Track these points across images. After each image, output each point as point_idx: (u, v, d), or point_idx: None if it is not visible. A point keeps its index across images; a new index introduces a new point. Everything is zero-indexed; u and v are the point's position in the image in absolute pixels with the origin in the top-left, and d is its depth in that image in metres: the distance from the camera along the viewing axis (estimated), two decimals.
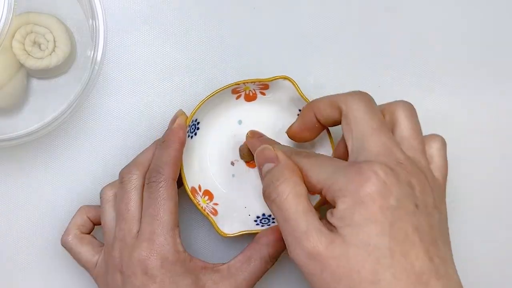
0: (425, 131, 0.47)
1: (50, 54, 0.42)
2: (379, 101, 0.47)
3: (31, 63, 0.42)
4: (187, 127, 0.41)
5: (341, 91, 0.46)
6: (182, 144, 0.40)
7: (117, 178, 0.41)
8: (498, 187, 0.47)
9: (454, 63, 0.47)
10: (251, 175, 0.45)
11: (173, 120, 0.41)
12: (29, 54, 0.42)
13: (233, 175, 0.45)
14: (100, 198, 0.41)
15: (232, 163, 0.45)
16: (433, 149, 0.37)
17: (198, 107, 0.41)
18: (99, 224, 0.42)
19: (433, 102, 0.47)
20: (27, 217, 0.45)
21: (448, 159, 0.44)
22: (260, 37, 0.46)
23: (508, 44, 0.47)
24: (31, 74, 0.43)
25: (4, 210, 0.45)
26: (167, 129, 0.41)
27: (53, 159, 0.45)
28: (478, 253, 0.47)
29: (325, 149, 0.43)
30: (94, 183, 0.45)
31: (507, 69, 0.47)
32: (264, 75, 0.42)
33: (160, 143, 0.40)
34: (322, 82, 0.46)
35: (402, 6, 0.47)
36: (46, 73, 0.43)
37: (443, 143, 0.37)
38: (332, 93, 0.46)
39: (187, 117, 0.41)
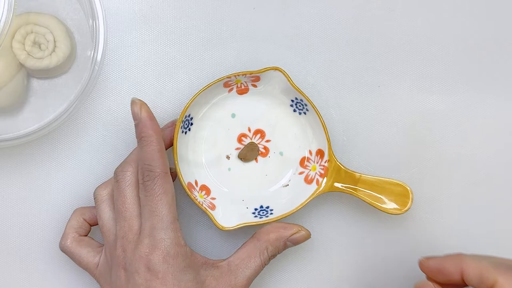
0: (425, 131, 0.47)
1: (50, 54, 0.42)
2: (379, 101, 0.47)
3: (31, 63, 0.42)
4: (153, 114, 0.40)
5: (340, 92, 0.46)
6: (159, 134, 0.39)
7: None
8: (500, 187, 0.47)
9: (454, 64, 0.47)
10: (247, 168, 0.45)
11: (137, 113, 0.39)
12: (29, 54, 0.42)
13: (229, 169, 0.45)
14: (94, 198, 0.41)
15: (228, 157, 0.45)
16: None
17: (190, 102, 0.42)
18: (95, 224, 0.42)
19: (433, 102, 0.47)
20: (26, 217, 0.45)
21: (450, 158, 0.44)
22: (260, 37, 0.46)
23: (509, 44, 0.47)
24: (31, 74, 0.43)
25: (3, 210, 0.45)
26: (136, 123, 0.39)
27: (53, 159, 0.45)
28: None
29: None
30: (94, 183, 0.45)
31: (508, 70, 0.47)
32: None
33: (138, 141, 0.40)
34: (321, 82, 0.46)
35: (402, 6, 0.47)
36: (46, 73, 0.43)
37: None
38: (330, 93, 0.46)
39: (145, 103, 0.40)
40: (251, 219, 0.43)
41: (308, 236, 0.41)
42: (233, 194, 0.44)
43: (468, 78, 0.47)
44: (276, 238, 0.40)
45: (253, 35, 0.46)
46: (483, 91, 0.47)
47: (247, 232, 0.42)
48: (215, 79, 0.42)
